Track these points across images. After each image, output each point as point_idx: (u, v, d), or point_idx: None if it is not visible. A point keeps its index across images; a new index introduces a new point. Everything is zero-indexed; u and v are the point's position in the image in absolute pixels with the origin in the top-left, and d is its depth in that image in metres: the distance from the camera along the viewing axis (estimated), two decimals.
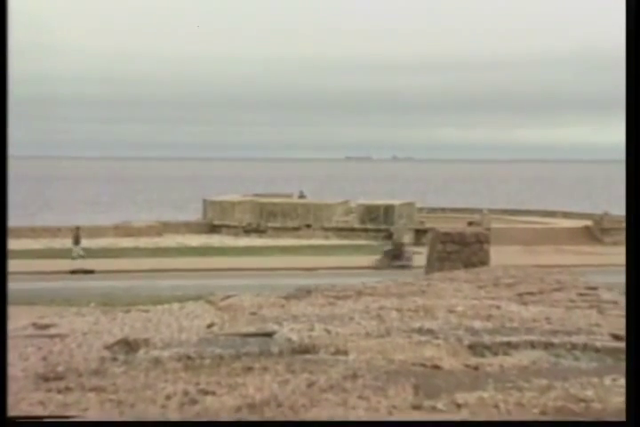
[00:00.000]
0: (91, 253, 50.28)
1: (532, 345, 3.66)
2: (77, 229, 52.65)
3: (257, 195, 70.80)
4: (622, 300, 5.45)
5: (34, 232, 58.50)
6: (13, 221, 64.12)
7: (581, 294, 5.56)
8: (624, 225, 62.09)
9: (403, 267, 45.22)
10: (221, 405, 2.66)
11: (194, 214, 69.11)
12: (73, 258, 48.78)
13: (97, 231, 59.77)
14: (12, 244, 49.34)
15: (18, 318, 4.96)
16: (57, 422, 2.38)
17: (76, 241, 50.93)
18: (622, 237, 60.36)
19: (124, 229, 60.75)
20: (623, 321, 4.41)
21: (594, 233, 61.37)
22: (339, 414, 2.51)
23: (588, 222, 63.19)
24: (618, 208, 71.70)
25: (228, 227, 63.08)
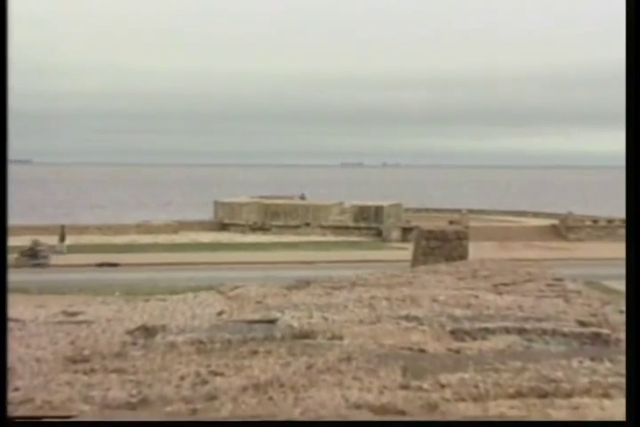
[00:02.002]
0: (116, 249, 50.19)
1: (507, 331, 3.63)
2: (63, 227, 51.37)
3: (262, 197, 70.84)
4: (585, 290, 5.43)
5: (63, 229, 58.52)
6: (53, 219, 64.24)
7: (549, 285, 5.54)
8: (587, 223, 62.23)
9: (39, 265, 43.24)
10: (229, 385, 2.63)
11: (206, 214, 69.09)
12: (56, 253, 47.22)
13: (121, 229, 59.81)
14: (47, 240, 49.33)
15: (49, 307, 4.92)
16: (57, 422, 2.25)
17: (62, 238, 49.56)
18: (585, 234, 60.45)
19: (144, 228, 60.75)
20: (587, 309, 4.38)
21: (560, 231, 61.40)
22: (335, 394, 2.48)
23: (555, 221, 63.24)
24: (581, 208, 71.85)
25: (236, 225, 63.10)
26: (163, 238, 57.23)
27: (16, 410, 2.43)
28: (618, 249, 53.17)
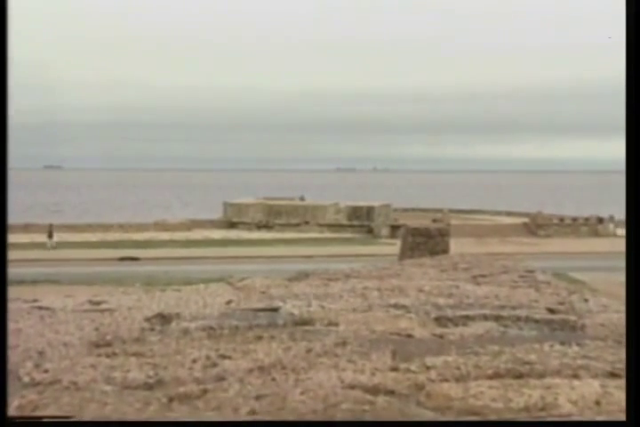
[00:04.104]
0: (136, 244, 50.13)
1: (485, 317, 3.60)
2: (51, 225, 50.82)
3: (266, 198, 70.81)
4: (554, 280, 5.41)
5: (91, 227, 58.58)
6: (89, 218, 64.47)
7: (522, 276, 5.52)
8: (554, 222, 62.33)
9: None
10: (237, 367, 2.60)
11: (216, 214, 69.04)
12: (47, 249, 47.01)
13: (141, 227, 59.75)
14: (76, 237, 49.63)
15: (77, 296, 4.89)
16: (57, 422, 2.13)
17: (50, 236, 48.89)
18: (553, 230, 60.54)
19: (161, 226, 60.71)
20: (555, 298, 4.36)
21: (530, 228, 61.43)
22: (332, 375, 2.46)
23: (526, 220, 63.27)
24: (550, 208, 71.89)
25: (243, 223, 63.09)
26: (178, 235, 57.25)
27: (45, 390, 2.40)
28: (581, 244, 53.31)
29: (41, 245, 47.13)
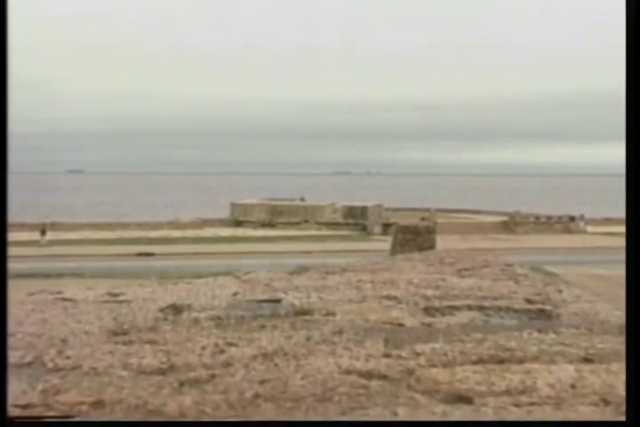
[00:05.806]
0: (152, 241, 50.04)
1: (469, 308, 3.58)
2: (45, 224, 50.73)
3: (269, 199, 70.79)
4: (531, 273, 5.38)
5: (110, 226, 58.54)
6: (109, 218, 64.40)
7: (502, 270, 5.48)
8: (531, 220, 62.37)
9: None
10: (242, 354, 2.58)
11: (224, 213, 68.95)
12: (40, 246, 46.25)
13: (156, 226, 59.71)
14: (96, 234, 49.54)
15: (97, 288, 4.86)
16: (57, 422, 2.04)
17: (43, 233, 48.38)
18: (529, 228, 60.57)
19: (175, 224, 60.70)
20: (533, 289, 4.33)
21: (509, 226, 61.43)
22: (329, 361, 2.43)
23: (505, 218, 63.28)
24: (527, 208, 71.89)
25: (248, 222, 63.05)
26: (189, 233, 57.25)
27: (67, 375, 2.37)
28: (555, 240, 53.35)
29: (35, 243, 46.60)
